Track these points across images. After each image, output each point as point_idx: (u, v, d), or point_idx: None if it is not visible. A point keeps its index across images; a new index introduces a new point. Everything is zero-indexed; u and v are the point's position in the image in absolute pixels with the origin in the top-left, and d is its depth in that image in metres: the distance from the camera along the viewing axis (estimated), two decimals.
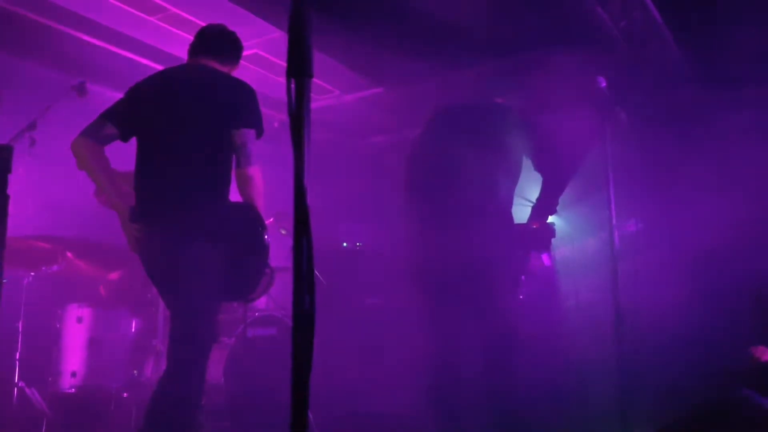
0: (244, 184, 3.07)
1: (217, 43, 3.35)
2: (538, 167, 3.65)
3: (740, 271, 4.40)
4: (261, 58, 5.66)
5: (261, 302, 5.23)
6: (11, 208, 3.09)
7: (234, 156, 3.08)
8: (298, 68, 1.52)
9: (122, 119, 3.13)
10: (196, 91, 3.13)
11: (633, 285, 3.63)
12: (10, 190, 3.10)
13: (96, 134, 3.07)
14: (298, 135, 1.48)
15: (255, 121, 3.12)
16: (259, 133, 3.13)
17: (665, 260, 4.63)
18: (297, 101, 1.50)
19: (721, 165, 4.59)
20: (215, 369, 4.28)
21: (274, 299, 5.39)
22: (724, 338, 4.05)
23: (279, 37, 5.24)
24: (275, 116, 6.58)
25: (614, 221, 3.25)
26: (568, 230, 5.15)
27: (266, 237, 3.12)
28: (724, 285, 4.42)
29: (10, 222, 3.08)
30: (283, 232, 5.48)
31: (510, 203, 3.60)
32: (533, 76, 4.27)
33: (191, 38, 3.41)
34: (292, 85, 1.53)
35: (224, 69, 3.31)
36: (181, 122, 3.07)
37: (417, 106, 5.08)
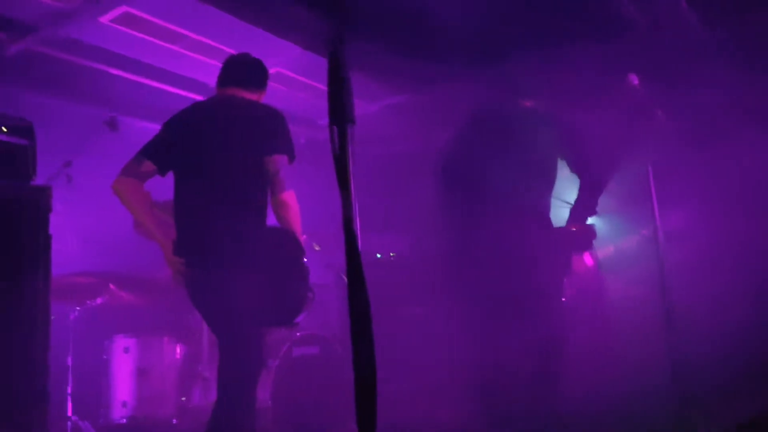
0: (281, 209, 3.11)
1: (243, 72, 3.40)
2: (574, 169, 3.61)
3: None
4: (284, 76, 5.68)
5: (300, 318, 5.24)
6: (53, 245, 3.15)
7: (269, 182, 3.11)
8: (341, 115, 1.54)
9: (159, 156, 3.18)
10: (228, 123, 3.18)
11: (680, 282, 3.56)
12: (51, 228, 3.15)
13: (134, 172, 3.13)
14: (345, 180, 1.49)
15: (287, 147, 3.16)
16: (291, 158, 3.17)
17: (713, 255, 4.56)
18: (341, 147, 1.51)
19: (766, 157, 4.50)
20: (262, 391, 4.29)
21: (311, 315, 5.40)
22: None
23: (300, 54, 5.26)
24: (302, 132, 6.61)
25: (658, 218, 3.21)
26: (610, 230, 5.09)
27: (306, 261, 3.15)
28: None
29: (54, 259, 3.14)
30: (317, 248, 5.50)
31: (547, 206, 3.57)
32: (563, 74, 4.23)
33: (214, 63, 3.46)
34: (335, 132, 1.55)
35: (252, 97, 3.35)
36: (216, 154, 3.12)
37: (443, 111, 5.06)
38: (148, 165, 3.15)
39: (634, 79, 3.29)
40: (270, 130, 3.15)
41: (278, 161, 3.09)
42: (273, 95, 3.35)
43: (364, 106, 6.65)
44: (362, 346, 1.37)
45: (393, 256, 6.31)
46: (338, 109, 1.56)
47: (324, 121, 6.12)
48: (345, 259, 1.44)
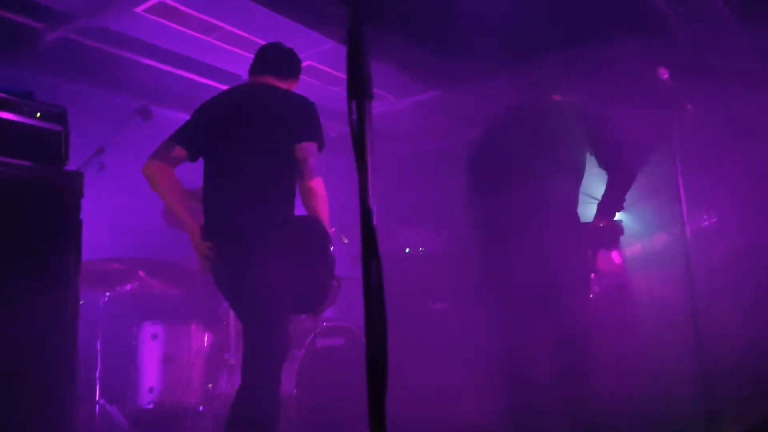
0: (309, 197, 3.11)
1: (276, 61, 3.42)
2: (603, 164, 3.58)
3: None
4: (316, 70, 5.71)
5: (328, 312, 5.26)
6: (84, 231, 3.20)
7: (298, 170, 3.12)
8: (359, 90, 1.53)
9: (189, 141, 3.21)
10: (259, 109, 3.20)
11: (708, 279, 3.51)
12: (83, 214, 3.20)
13: (165, 157, 3.16)
14: (362, 156, 1.49)
15: (316, 135, 3.17)
16: (321, 147, 3.18)
17: (741, 253, 4.48)
18: (359, 122, 1.51)
19: None
20: (287, 381, 4.31)
21: (339, 308, 5.43)
22: None
23: (332, 47, 5.28)
24: (332, 126, 6.63)
25: (686, 215, 3.17)
26: (638, 227, 5.03)
27: (332, 249, 3.16)
28: None
29: (84, 245, 3.19)
30: (346, 240, 5.50)
31: (575, 201, 3.54)
32: (592, 70, 4.19)
33: (247, 55, 3.48)
34: (354, 107, 1.54)
35: (284, 85, 3.37)
36: (246, 140, 3.14)
37: (473, 107, 5.04)
38: (179, 150, 3.18)
39: (664, 74, 3.25)
40: (300, 118, 3.17)
41: (307, 149, 3.10)
42: (305, 88, 3.37)
43: (395, 102, 6.65)
44: (375, 324, 1.37)
45: (422, 251, 6.31)
46: (357, 84, 1.55)
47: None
48: (361, 234, 1.44)
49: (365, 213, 1.43)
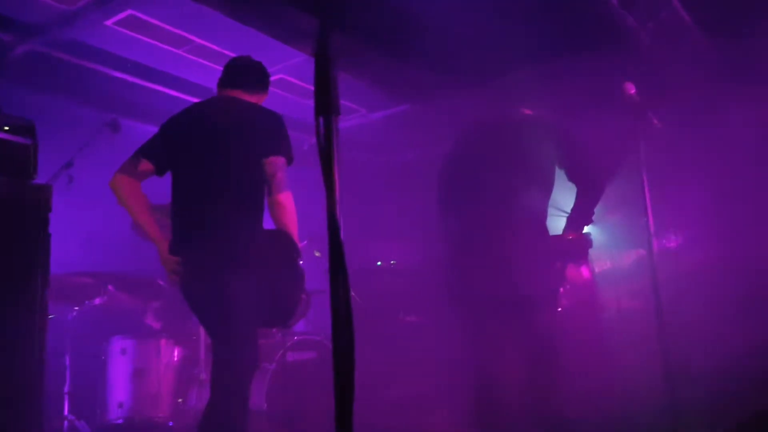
0: (277, 211, 3.11)
1: (244, 75, 3.41)
2: (572, 177, 3.62)
3: None
4: (286, 83, 5.72)
5: (299, 326, 5.25)
6: (53, 245, 3.17)
7: (266, 184, 3.12)
8: (326, 106, 1.56)
9: (156, 155, 3.20)
10: (226, 123, 3.18)
11: (675, 293, 3.56)
12: (51, 228, 3.18)
13: (132, 171, 3.14)
14: (329, 171, 1.51)
15: (285, 149, 3.17)
16: (290, 161, 3.18)
17: (707, 267, 4.55)
18: (326, 138, 1.53)
19: (763, 168, 4.49)
20: (257, 395, 4.31)
21: (311, 322, 5.42)
22: None
23: (303, 60, 5.30)
24: (304, 139, 6.64)
25: (652, 229, 3.22)
26: (606, 240, 5.09)
27: (301, 263, 3.16)
28: None
29: (53, 259, 3.16)
30: (318, 254, 5.51)
31: (544, 215, 3.57)
32: (561, 84, 4.25)
33: (217, 68, 3.48)
34: (321, 123, 1.56)
35: (252, 99, 3.36)
36: (213, 154, 3.13)
37: (444, 121, 5.08)
38: (146, 164, 3.16)
39: (631, 88, 3.30)
40: (269, 132, 3.16)
41: (276, 163, 3.10)
42: (275, 101, 3.37)
43: (366, 116, 6.69)
44: (342, 336, 1.38)
45: (394, 263, 6.33)
46: (324, 101, 1.57)
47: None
48: (329, 248, 1.46)
49: (333, 228, 1.44)
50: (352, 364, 1.42)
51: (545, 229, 3.55)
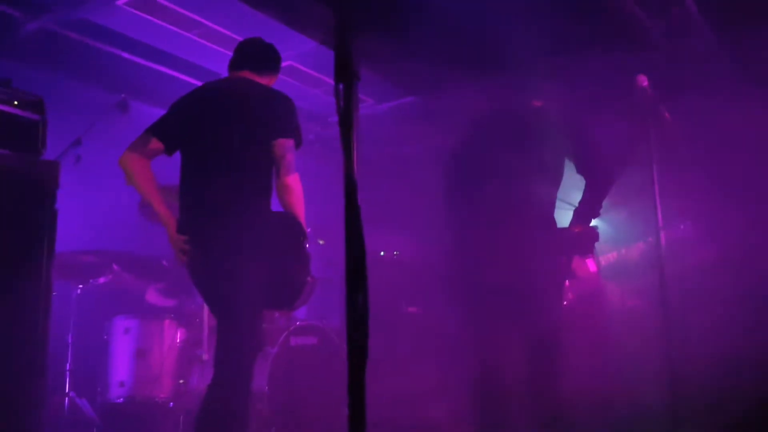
0: (285, 194, 3.11)
1: (255, 56, 3.41)
2: (581, 168, 3.60)
3: None
4: (296, 70, 5.71)
5: (301, 312, 5.27)
6: (59, 222, 3.17)
7: (274, 166, 3.12)
8: (346, 72, 1.55)
9: (166, 134, 3.19)
10: (237, 104, 3.19)
11: (682, 288, 3.55)
12: (58, 205, 3.18)
13: (142, 149, 3.13)
14: (348, 135, 1.51)
15: (294, 131, 3.17)
16: (298, 143, 3.18)
17: (715, 262, 4.53)
18: (346, 104, 1.53)
19: None
20: (260, 378, 4.32)
21: (314, 309, 5.43)
22: None
23: (313, 49, 5.28)
24: (311, 128, 6.64)
25: (661, 223, 3.20)
26: (613, 233, 5.08)
27: (307, 246, 3.16)
28: None
29: (59, 237, 3.16)
30: (321, 242, 5.51)
31: (552, 207, 3.56)
32: (572, 77, 4.23)
33: (227, 53, 3.47)
34: (341, 90, 1.56)
35: (263, 81, 3.36)
36: (223, 135, 3.13)
37: (452, 113, 5.08)
38: (155, 143, 3.15)
39: (644, 81, 3.29)
40: (278, 114, 3.16)
41: (285, 145, 3.10)
42: (284, 89, 3.36)
43: (375, 106, 6.67)
44: (357, 298, 1.38)
45: (397, 254, 6.33)
46: (345, 66, 1.57)
47: (334, 117, 6.16)
48: (344, 214, 1.46)
49: (350, 192, 1.44)
50: (366, 330, 1.42)
51: (553, 221, 3.54)
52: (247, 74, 3.34)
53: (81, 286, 4.74)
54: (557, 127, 3.56)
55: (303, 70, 5.72)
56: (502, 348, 3.43)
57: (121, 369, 4.59)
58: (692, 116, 4.29)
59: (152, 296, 4.95)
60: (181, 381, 4.61)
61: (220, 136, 3.13)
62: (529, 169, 3.48)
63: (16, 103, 3.15)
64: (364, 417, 1.46)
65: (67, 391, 4.48)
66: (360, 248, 1.42)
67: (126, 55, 5.24)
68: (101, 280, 4.77)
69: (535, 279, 3.39)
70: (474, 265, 3.48)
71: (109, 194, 4.42)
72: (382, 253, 6.35)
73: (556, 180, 3.57)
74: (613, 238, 5.08)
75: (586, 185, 3.59)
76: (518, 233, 3.40)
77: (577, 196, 3.63)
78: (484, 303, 3.44)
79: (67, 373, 4.51)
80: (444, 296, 4.98)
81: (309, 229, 5.06)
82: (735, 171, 4.57)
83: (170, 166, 3.33)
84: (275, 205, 3.18)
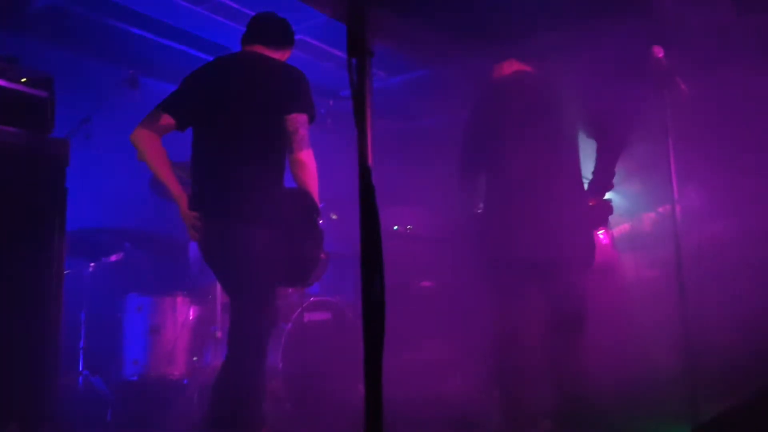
0: (298, 169, 3.08)
1: (268, 30, 3.36)
2: (592, 131, 3.52)
3: None
4: (307, 44, 5.66)
5: (315, 287, 5.26)
6: (70, 200, 3.16)
7: (287, 141, 3.09)
8: (359, 46, 1.52)
9: (178, 109, 3.15)
10: (249, 78, 3.15)
11: (697, 259, 3.50)
12: (68, 183, 3.17)
13: (153, 125, 3.10)
14: (361, 111, 1.49)
15: (307, 106, 3.13)
16: (312, 118, 3.15)
17: (730, 234, 4.48)
18: (359, 79, 1.50)
19: None
20: (273, 354, 4.32)
21: (327, 284, 5.42)
22: None
23: (325, 22, 5.22)
24: (322, 103, 6.58)
25: (676, 194, 3.16)
26: (627, 205, 5.02)
27: (321, 222, 3.14)
28: None
29: (70, 215, 3.16)
30: (334, 216, 5.49)
31: (580, 173, 3.49)
32: (587, 47, 4.16)
33: (238, 27, 3.42)
34: (353, 65, 1.53)
35: (276, 56, 3.32)
36: (235, 110, 3.10)
37: (464, 87, 5.01)
38: (167, 118, 3.12)
39: (659, 52, 3.23)
40: (291, 89, 3.12)
41: (298, 120, 3.06)
42: (295, 63, 3.32)
43: (385, 79, 6.62)
44: (373, 278, 1.36)
45: (410, 228, 6.30)
46: (357, 42, 1.54)
47: (346, 91, 6.12)
48: (359, 192, 1.43)
49: (363, 168, 1.42)
50: (382, 314, 1.39)
51: (583, 188, 3.48)
52: (259, 49, 3.29)
53: (93, 264, 4.75)
54: (569, 91, 3.49)
55: (313, 44, 5.67)
56: (529, 318, 3.38)
57: (134, 347, 4.60)
58: (710, 88, 4.21)
59: (167, 276, 4.95)
60: (194, 358, 4.62)
61: (233, 112, 3.09)
62: (548, 133, 3.43)
63: (24, 80, 3.13)
64: (381, 401, 1.43)
65: (80, 369, 4.51)
66: (376, 233, 1.39)
67: (135, 30, 5.20)
68: (113, 257, 4.78)
69: (572, 248, 3.35)
70: (499, 236, 3.42)
71: (120, 171, 4.40)
72: (395, 228, 6.32)
73: (573, 142, 3.51)
74: (626, 210, 5.02)
75: (598, 148, 3.52)
76: (555, 201, 3.35)
77: (590, 168, 3.57)
78: (518, 272, 3.37)
79: (81, 351, 4.54)
80: (462, 269, 4.94)
81: (322, 204, 5.06)
82: (752, 142, 4.50)
83: (181, 143, 3.30)
84: (288, 181, 3.16)
